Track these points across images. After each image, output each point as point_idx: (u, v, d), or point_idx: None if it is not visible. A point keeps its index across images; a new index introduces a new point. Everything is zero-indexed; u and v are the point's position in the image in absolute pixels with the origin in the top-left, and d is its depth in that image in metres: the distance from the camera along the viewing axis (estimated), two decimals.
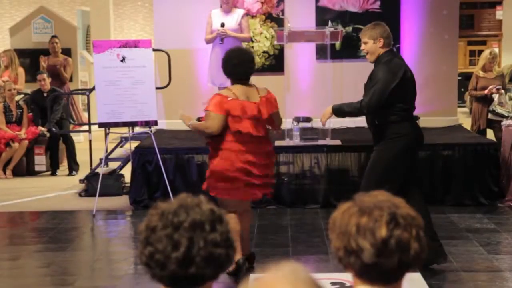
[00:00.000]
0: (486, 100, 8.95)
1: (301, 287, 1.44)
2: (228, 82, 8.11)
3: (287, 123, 8.24)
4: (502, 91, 8.89)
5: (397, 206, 1.81)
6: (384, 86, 5.33)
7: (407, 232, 1.78)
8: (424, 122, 9.29)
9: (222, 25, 7.96)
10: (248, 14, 8.23)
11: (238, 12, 8.14)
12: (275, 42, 9.11)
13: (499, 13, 13.96)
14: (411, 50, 9.53)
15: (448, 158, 7.69)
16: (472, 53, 14.18)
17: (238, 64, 5.43)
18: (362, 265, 1.78)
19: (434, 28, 9.51)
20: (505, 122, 8.28)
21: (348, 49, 9.51)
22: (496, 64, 9.27)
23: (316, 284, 1.48)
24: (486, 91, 8.81)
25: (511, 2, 13.85)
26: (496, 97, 8.83)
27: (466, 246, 6.19)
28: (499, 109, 8.80)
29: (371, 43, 5.47)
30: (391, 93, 5.35)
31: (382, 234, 1.76)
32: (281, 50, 9.51)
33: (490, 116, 8.91)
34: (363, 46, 5.57)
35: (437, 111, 9.45)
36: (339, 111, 5.57)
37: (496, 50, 12.04)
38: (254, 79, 9.54)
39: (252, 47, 9.56)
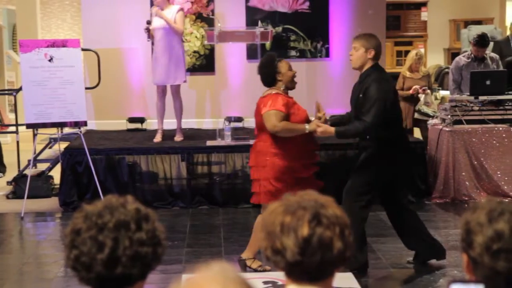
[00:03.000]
0: (413, 100, 9.14)
1: (230, 287, 1.46)
2: (179, 79, 8.12)
3: (218, 123, 8.27)
4: (428, 91, 9.09)
5: (322, 206, 1.84)
6: (381, 105, 5.28)
7: (330, 231, 1.80)
8: None
9: (148, 22, 8.05)
10: (183, 10, 8.22)
11: (174, 8, 8.13)
12: (206, 42, 9.11)
13: (424, 14, 14.28)
14: (340, 50, 9.66)
15: None
16: (399, 54, 14.45)
17: None
18: (287, 263, 1.81)
19: (362, 28, 9.65)
20: (431, 121, 8.48)
21: (278, 49, 9.56)
22: (422, 65, 9.48)
23: (245, 284, 1.50)
24: (411, 91, 9.00)
25: (435, 3, 14.21)
26: (422, 97, 9.03)
27: (394, 243, 6.29)
28: (425, 109, 9.01)
29: (362, 51, 5.46)
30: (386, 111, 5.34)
31: (304, 233, 1.79)
32: (211, 50, 9.52)
33: (416, 115, 9.10)
34: (352, 51, 5.55)
35: None
36: (343, 135, 5.49)
37: (422, 50, 12.32)
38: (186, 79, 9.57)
39: None
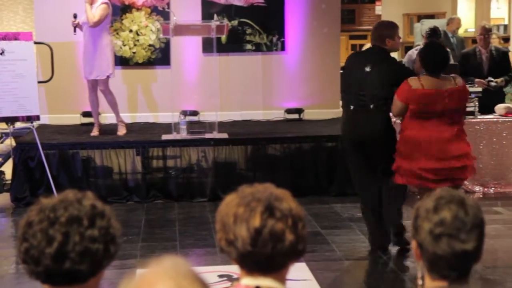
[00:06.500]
0: None
1: (182, 282, 1.45)
2: (101, 73, 8.04)
3: (174, 117, 8.23)
4: None
5: (277, 198, 1.85)
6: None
7: (282, 223, 1.81)
8: (308, 114, 9.52)
9: (75, 16, 8.04)
10: (107, 3, 8.11)
11: (99, 2, 8.06)
12: (161, 36, 9.05)
13: (378, 8, 14.44)
14: (295, 44, 9.69)
15: (332, 150, 7.88)
16: (353, 47, 14.57)
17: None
18: (238, 254, 1.82)
19: (317, 22, 9.71)
20: None
21: (234, 43, 9.57)
22: None
23: (197, 278, 1.49)
24: None
25: None
26: None
27: (348, 235, 6.37)
28: None
29: None
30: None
31: (256, 224, 1.80)
32: (167, 43, 9.46)
33: None
34: None
35: (320, 103, 9.67)
36: None
37: None
38: (141, 72, 9.51)
39: (138, 40, 9.47)
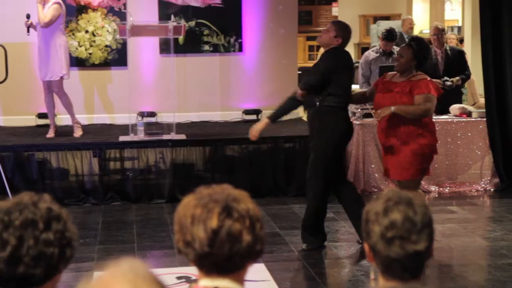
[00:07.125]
0: None
1: (140, 284, 1.44)
2: (55, 74, 7.95)
3: (131, 118, 8.18)
4: None
5: (234, 199, 1.85)
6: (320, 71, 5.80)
7: (240, 224, 1.81)
8: (266, 115, 9.52)
9: (28, 16, 7.99)
10: (59, 3, 8.04)
11: (51, 2, 7.99)
12: (118, 36, 8.99)
13: (335, 10, 14.57)
14: (253, 45, 9.72)
15: (290, 151, 7.92)
16: (311, 48, 14.67)
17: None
18: (196, 255, 1.82)
19: (274, 23, 9.75)
20: None
21: (191, 44, 9.55)
22: None
23: (155, 280, 1.49)
24: None
25: None
26: None
27: None
28: None
29: (332, 34, 5.82)
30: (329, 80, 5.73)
31: (213, 225, 1.80)
32: (124, 44, 9.40)
33: None
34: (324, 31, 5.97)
35: (278, 104, 9.68)
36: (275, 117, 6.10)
37: None
38: (97, 73, 9.43)
39: (94, 41, 9.39)
